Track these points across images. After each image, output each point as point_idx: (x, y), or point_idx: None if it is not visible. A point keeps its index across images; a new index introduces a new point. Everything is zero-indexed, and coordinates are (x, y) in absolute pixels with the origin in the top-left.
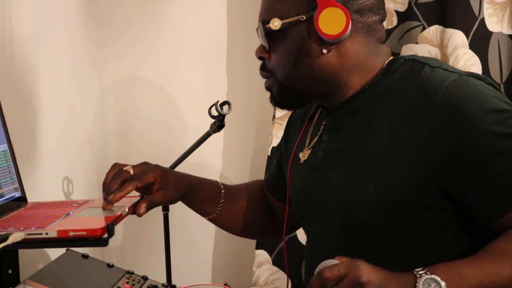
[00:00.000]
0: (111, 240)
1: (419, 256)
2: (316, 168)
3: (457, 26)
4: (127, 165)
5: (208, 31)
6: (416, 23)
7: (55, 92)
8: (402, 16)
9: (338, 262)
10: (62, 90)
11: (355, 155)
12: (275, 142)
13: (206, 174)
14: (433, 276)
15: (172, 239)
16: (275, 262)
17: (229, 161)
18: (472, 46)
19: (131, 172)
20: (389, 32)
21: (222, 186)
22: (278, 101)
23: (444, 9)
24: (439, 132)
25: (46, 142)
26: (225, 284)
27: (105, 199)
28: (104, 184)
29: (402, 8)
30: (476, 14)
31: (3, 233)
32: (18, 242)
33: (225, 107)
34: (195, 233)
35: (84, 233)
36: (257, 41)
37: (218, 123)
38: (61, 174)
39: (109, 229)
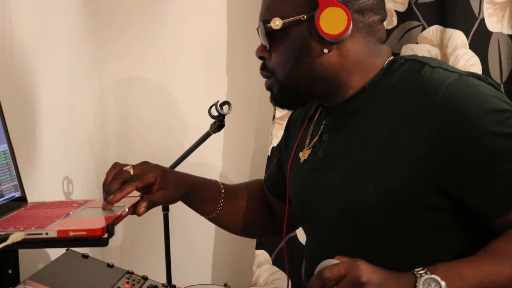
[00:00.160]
0: (111, 240)
1: (419, 256)
2: (316, 168)
3: (457, 26)
4: (127, 165)
5: (208, 31)
6: (416, 23)
7: (55, 92)
8: (402, 16)
9: (338, 261)
10: (62, 90)
11: (355, 154)
12: (275, 142)
13: (206, 174)
14: (433, 276)
15: (172, 239)
16: (275, 262)
17: (229, 161)
18: (472, 46)
19: (131, 172)
20: (389, 32)
21: (222, 186)
22: (278, 100)
23: (444, 9)
24: (439, 132)
25: (46, 142)
26: (225, 284)
27: (105, 199)
28: (104, 184)
29: (402, 8)
30: (476, 14)
31: (3, 233)
32: (18, 242)
33: (225, 107)
34: (195, 233)
35: (84, 233)
36: (257, 41)
37: (218, 123)
38: (61, 174)
39: (109, 229)
